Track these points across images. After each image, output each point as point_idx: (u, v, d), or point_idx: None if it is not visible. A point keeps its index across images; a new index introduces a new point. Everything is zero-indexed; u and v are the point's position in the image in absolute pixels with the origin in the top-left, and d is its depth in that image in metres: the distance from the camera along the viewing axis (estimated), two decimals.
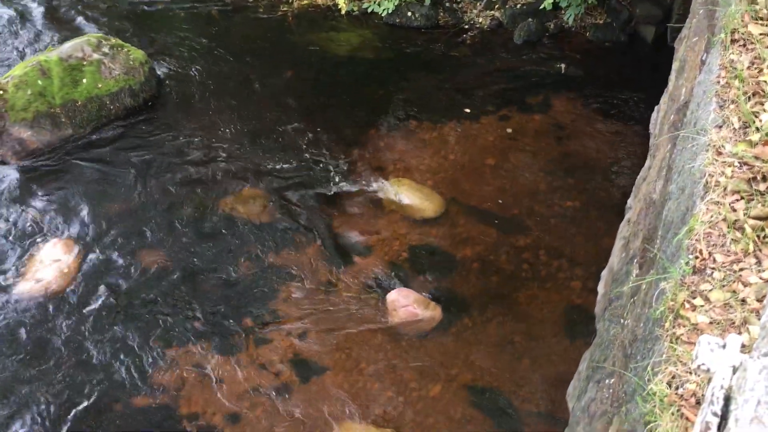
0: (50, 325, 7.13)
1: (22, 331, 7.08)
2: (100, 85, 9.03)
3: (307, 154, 8.95)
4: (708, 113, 3.86)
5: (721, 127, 3.70)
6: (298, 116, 9.48)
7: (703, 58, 4.52)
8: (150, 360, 6.90)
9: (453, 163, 8.88)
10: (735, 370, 1.96)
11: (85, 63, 8.99)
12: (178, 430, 6.43)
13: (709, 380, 2.01)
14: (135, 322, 7.18)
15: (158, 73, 9.91)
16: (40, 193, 8.38)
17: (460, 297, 7.48)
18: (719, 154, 3.55)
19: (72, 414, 6.52)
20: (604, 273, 5.71)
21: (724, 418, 1.85)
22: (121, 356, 6.93)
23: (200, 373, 6.83)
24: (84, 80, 8.93)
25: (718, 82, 4.02)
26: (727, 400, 1.88)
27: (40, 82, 8.71)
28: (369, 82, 10.15)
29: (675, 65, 6.01)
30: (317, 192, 8.52)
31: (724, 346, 2.09)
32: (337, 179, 8.66)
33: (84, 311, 7.26)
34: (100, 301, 7.34)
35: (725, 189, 3.37)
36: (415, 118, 9.52)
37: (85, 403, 6.59)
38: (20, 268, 7.59)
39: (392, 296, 7.29)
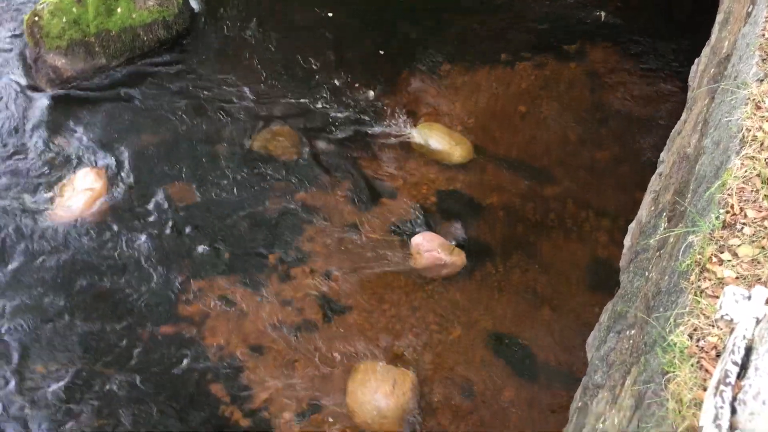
0: (79, 252, 7.27)
1: (52, 257, 7.23)
2: (134, 16, 8.99)
3: (338, 95, 8.90)
4: (750, 67, 3.78)
5: (762, 81, 3.63)
6: (332, 56, 9.40)
7: (749, 10, 4.39)
8: (176, 290, 7.04)
9: (484, 109, 8.79)
10: (758, 321, 1.96)
11: None
12: (202, 359, 6.60)
13: (732, 331, 2.01)
14: (162, 253, 7.30)
15: (192, 5, 9.83)
16: (72, 122, 8.45)
17: (484, 244, 7.49)
18: (758, 108, 3.49)
19: (99, 339, 6.70)
20: (632, 226, 5.68)
21: (743, 367, 1.86)
22: (148, 285, 7.07)
23: (225, 306, 6.96)
24: (118, 10, 8.90)
25: (763, 35, 3.93)
26: (749, 350, 1.88)
27: (74, 9, 8.69)
28: (404, 24, 10.00)
29: (719, 17, 5.86)
30: (347, 133, 8.50)
31: (749, 298, 2.08)
32: (366, 121, 8.62)
33: (112, 240, 7.38)
34: (128, 231, 7.46)
35: (762, 144, 3.31)
36: (448, 62, 9.39)
37: (112, 330, 6.76)
38: (52, 196, 7.71)
39: (417, 240, 7.32)
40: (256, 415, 6.31)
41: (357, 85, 9.04)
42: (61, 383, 6.41)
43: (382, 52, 9.52)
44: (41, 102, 8.62)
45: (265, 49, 9.48)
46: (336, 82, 9.06)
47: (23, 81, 8.81)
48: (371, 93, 8.94)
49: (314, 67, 9.26)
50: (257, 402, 6.37)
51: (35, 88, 8.73)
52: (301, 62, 9.32)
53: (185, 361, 6.60)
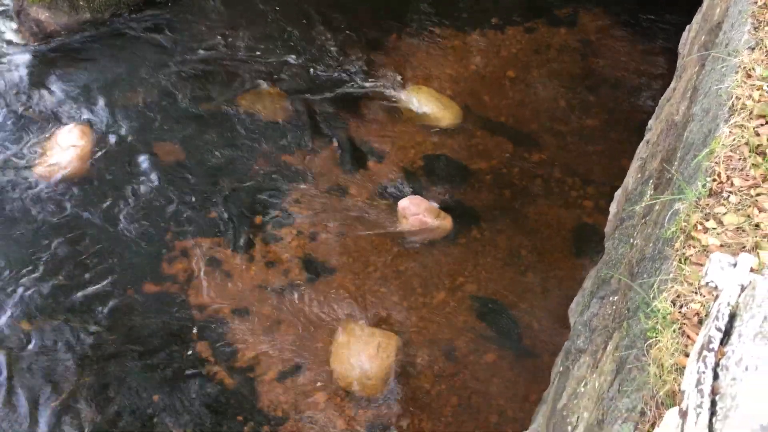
0: (64, 209, 7.22)
1: (37, 214, 7.18)
2: None
3: (327, 56, 8.81)
4: (741, 34, 3.76)
5: (753, 49, 3.60)
6: (321, 17, 9.28)
7: None
8: (161, 249, 7.02)
9: (474, 73, 8.74)
10: (743, 288, 1.98)
11: None
12: (186, 318, 6.60)
13: (716, 297, 2.03)
14: (147, 212, 7.26)
15: None
16: (57, 77, 8.32)
17: (471, 208, 7.50)
18: (749, 76, 3.47)
19: (81, 296, 6.68)
20: (618, 193, 5.69)
21: (727, 334, 1.87)
22: (133, 244, 7.04)
23: (210, 266, 6.95)
24: None
25: (756, 2, 3.89)
26: (732, 317, 1.90)
27: None
28: None
29: None
30: (335, 94, 8.43)
31: (734, 265, 2.09)
32: (355, 83, 8.55)
33: (97, 197, 7.33)
34: (113, 188, 7.40)
35: (751, 112, 3.30)
36: (439, 25, 9.30)
37: (97, 287, 6.74)
38: (36, 152, 7.62)
39: (403, 203, 7.32)
40: (240, 374, 6.34)
41: (346, 47, 8.95)
42: (45, 340, 6.40)
43: (372, 13, 9.40)
44: (24, 56, 8.48)
45: (253, 8, 9.34)
46: (325, 43, 8.96)
47: (5, 34, 8.66)
48: (360, 55, 8.85)
49: (304, 28, 9.14)
50: (241, 362, 6.40)
51: (18, 42, 8.58)
52: (291, 23, 9.20)
53: (169, 320, 6.60)
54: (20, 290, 6.67)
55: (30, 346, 6.36)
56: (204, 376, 6.31)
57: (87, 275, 6.80)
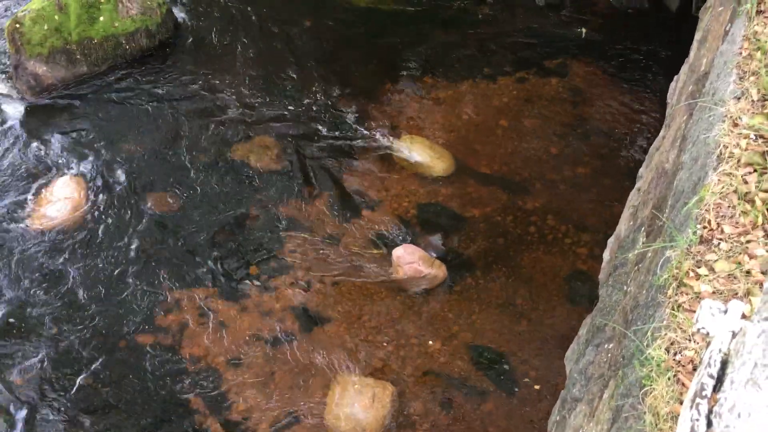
0: (58, 261, 7.21)
1: (32, 265, 7.17)
2: (116, 24, 8.97)
3: (321, 106, 8.91)
4: (727, 84, 3.82)
5: (739, 98, 3.67)
6: (314, 67, 9.42)
7: (727, 29, 4.46)
8: (155, 300, 6.99)
9: (466, 122, 8.84)
10: (734, 335, 1.98)
11: (102, 1, 8.92)
12: (180, 369, 6.54)
13: (708, 344, 2.03)
14: (141, 262, 7.26)
15: (176, 15, 9.83)
16: (52, 130, 8.39)
17: (465, 257, 7.51)
18: (735, 125, 3.53)
19: (76, 348, 6.63)
20: (611, 240, 5.72)
21: (719, 380, 1.88)
22: (127, 295, 7.02)
23: (204, 317, 6.92)
24: (101, 18, 8.87)
25: (740, 53, 3.97)
26: (724, 363, 1.90)
27: (56, 17, 8.65)
28: (387, 36, 10.05)
29: (698, 35, 5.94)
30: (329, 144, 8.50)
31: (725, 312, 2.11)
32: (349, 133, 8.63)
33: (92, 249, 7.33)
34: (107, 240, 7.40)
35: (738, 161, 3.35)
36: (431, 75, 9.44)
37: (90, 338, 6.70)
38: (32, 204, 7.64)
39: (398, 252, 7.33)
40: (234, 426, 6.26)
41: (340, 97, 9.06)
42: (35, 393, 6.33)
43: (366, 63, 9.54)
44: (21, 110, 8.56)
45: (247, 60, 9.48)
46: (318, 93, 9.07)
47: (3, 88, 8.75)
48: (354, 105, 8.96)
49: (298, 77, 9.27)
50: (234, 413, 6.32)
51: (15, 96, 8.67)
52: (284, 73, 9.33)
53: (162, 371, 6.54)
54: (11, 343, 6.62)
55: (20, 400, 6.28)
56: (197, 428, 6.23)
57: (80, 327, 6.76)
